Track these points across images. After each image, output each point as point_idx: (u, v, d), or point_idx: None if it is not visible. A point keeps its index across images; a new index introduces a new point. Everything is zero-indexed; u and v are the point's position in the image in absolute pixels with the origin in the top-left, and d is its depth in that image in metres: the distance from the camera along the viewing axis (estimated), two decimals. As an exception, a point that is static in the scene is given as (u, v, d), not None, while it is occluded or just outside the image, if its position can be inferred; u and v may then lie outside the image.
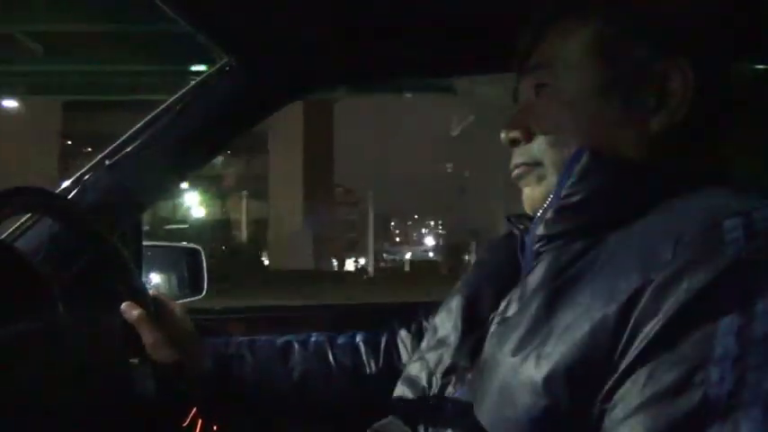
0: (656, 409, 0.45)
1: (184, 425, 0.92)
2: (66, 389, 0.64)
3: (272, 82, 1.03)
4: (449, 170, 71.90)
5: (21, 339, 0.61)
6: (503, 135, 0.67)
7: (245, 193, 29.28)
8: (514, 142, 0.67)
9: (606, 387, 0.49)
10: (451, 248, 44.69)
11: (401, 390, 0.75)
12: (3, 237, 0.92)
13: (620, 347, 0.49)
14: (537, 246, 0.62)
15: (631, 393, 0.47)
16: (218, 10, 0.81)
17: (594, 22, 0.62)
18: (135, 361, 0.81)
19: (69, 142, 27.09)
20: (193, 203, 27.09)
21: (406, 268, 41.73)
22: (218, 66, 1.01)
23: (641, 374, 0.47)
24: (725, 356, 0.44)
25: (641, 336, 0.48)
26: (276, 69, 1.00)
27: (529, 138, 0.66)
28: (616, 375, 0.48)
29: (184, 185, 21.86)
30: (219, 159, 24.79)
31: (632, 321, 0.48)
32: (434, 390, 0.69)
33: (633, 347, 0.48)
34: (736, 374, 0.44)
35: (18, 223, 0.97)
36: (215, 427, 0.98)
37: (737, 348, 0.44)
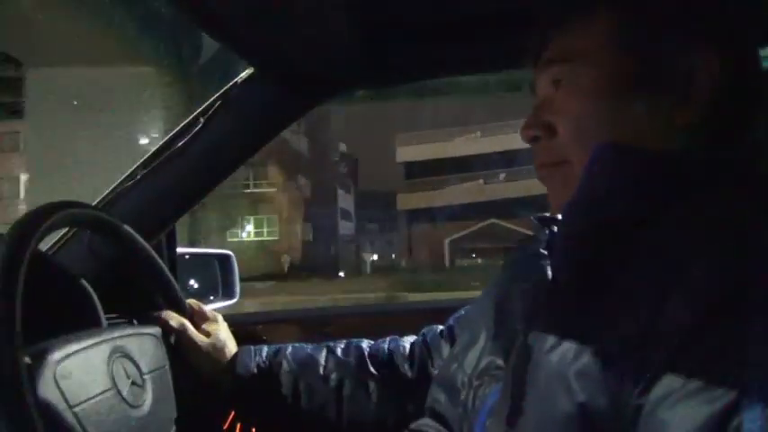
0: (695, 402, 0.45)
1: (224, 428, 0.94)
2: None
3: (295, 89, 1.04)
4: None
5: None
6: (522, 133, 0.66)
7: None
8: (535, 139, 0.65)
9: (642, 381, 0.48)
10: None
11: (436, 392, 0.75)
12: (43, 250, 0.95)
13: (655, 342, 0.48)
14: (564, 245, 0.61)
15: (670, 387, 0.46)
16: (240, 20, 0.82)
17: (617, 12, 0.61)
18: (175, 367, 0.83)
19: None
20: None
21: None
22: (242, 75, 1.03)
23: (678, 368, 0.46)
24: (764, 344, 0.43)
25: (677, 329, 0.47)
26: (298, 76, 1.01)
27: (550, 134, 0.64)
28: (652, 370, 0.48)
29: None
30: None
31: (667, 315, 0.48)
32: (469, 391, 0.69)
33: (669, 341, 0.47)
34: None
35: (57, 236, 1.00)
36: (253, 431, 0.99)
37: None
